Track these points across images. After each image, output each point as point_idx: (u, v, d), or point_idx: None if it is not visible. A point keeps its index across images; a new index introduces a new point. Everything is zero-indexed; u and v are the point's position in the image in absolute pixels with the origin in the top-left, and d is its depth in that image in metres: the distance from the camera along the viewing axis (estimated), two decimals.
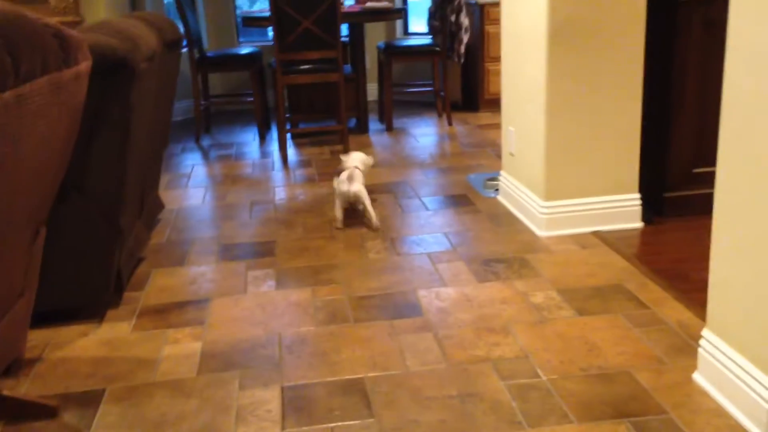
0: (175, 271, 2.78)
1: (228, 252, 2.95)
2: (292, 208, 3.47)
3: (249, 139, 5.03)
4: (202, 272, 2.76)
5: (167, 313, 2.42)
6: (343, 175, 3.09)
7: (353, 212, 3.24)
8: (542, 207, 2.94)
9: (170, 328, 2.32)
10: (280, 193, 3.74)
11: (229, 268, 2.79)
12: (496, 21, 5.18)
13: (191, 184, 3.98)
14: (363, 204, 3.07)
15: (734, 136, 1.68)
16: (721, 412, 1.75)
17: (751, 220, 1.64)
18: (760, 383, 1.64)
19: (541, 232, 2.95)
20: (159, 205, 3.31)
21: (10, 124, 1.39)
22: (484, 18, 5.32)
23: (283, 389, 1.95)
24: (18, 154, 1.48)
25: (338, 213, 3.11)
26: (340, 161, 3.31)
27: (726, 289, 1.76)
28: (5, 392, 1.87)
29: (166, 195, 3.74)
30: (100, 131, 2.21)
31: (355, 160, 3.21)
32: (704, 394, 1.83)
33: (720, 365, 1.78)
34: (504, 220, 3.16)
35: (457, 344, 2.14)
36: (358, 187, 3.06)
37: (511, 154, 3.28)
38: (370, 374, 2.00)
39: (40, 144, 1.59)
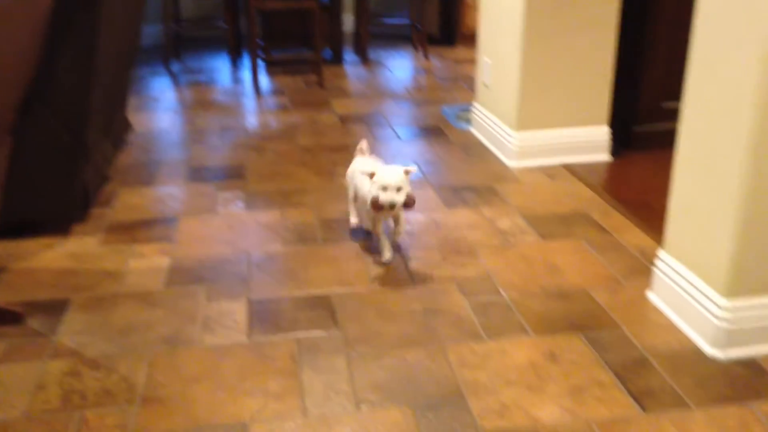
0: (143, 191, 2.76)
1: (197, 174, 2.94)
2: (264, 135, 3.45)
3: (220, 66, 4.94)
4: (170, 192, 2.75)
5: (135, 230, 2.42)
6: (388, 179, 2.03)
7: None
8: (513, 138, 2.96)
9: (137, 243, 2.32)
10: (252, 120, 3.70)
11: (198, 189, 2.78)
12: None
13: (160, 108, 3.92)
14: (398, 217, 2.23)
15: (700, 72, 1.71)
16: (671, 328, 1.83)
17: (711, 149, 1.68)
18: (710, 299, 1.71)
19: (511, 163, 2.98)
20: (127, 126, 3.27)
21: None
22: None
23: (250, 302, 1.98)
24: None
25: (379, 228, 2.22)
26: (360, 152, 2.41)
27: (684, 213, 1.82)
28: None
29: (134, 118, 3.68)
30: (66, 42, 2.16)
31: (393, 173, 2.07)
32: (657, 311, 1.90)
33: (673, 284, 1.84)
34: (475, 151, 3.18)
35: (424, 265, 2.18)
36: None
37: (485, 86, 3.28)
38: (337, 291, 2.04)
39: (1, 46, 1.55)
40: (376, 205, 2.05)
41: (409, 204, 2.07)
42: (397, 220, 2.21)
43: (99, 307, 1.95)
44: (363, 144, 2.38)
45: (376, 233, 2.23)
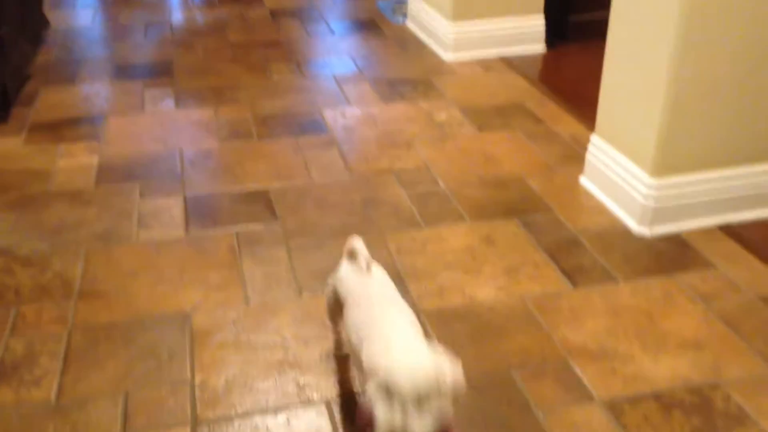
0: (66, 89, 2.62)
1: (122, 71, 2.80)
2: (191, 31, 3.29)
3: None
4: (95, 90, 2.62)
5: (60, 129, 2.32)
6: (406, 386, 0.98)
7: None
8: (449, 29, 2.91)
9: (64, 142, 2.23)
10: (177, 16, 3.52)
11: (124, 87, 2.66)
12: None
13: (79, 4, 3.67)
14: None
15: None
16: (601, 209, 1.90)
17: (639, 32, 1.69)
18: (637, 179, 1.77)
19: (447, 56, 2.95)
20: (44, 22, 3.07)
21: None
22: None
23: (186, 198, 1.95)
24: None
25: None
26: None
27: (614, 96, 1.85)
28: None
29: (52, 15, 3.44)
30: None
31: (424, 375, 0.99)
32: (588, 195, 1.97)
33: (603, 167, 1.90)
34: (411, 45, 3.12)
35: (361, 158, 2.17)
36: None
37: None
38: (275, 185, 2.02)
39: None
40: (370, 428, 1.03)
41: None
42: None
43: (29, 207, 1.88)
44: (356, 243, 1.30)
45: None
